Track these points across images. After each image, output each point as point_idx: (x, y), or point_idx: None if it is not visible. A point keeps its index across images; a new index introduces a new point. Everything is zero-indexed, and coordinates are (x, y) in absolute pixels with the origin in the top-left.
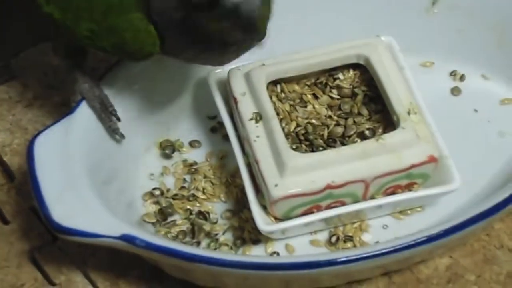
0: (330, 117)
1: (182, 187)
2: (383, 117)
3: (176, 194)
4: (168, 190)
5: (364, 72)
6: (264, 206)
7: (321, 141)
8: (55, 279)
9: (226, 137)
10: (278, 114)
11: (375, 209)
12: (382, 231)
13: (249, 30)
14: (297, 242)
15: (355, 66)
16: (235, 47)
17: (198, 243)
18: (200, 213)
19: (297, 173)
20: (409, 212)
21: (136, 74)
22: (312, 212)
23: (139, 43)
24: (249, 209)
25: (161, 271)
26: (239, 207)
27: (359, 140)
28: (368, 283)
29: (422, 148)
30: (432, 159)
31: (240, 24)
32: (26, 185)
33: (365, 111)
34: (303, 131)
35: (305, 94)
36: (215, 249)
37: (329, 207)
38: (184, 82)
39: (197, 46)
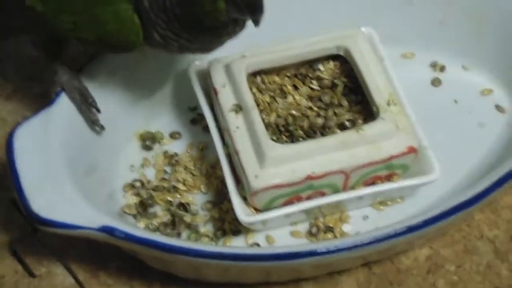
0: (310, 108)
1: (163, 179)
2: (363, 108)
3: (156, 186)
4: (148, 182)
5: (345, 63)
6: (245, 197)
7: (301, 132)
8: (36, 271)
9: (206, 129)
10: (258, 105)
11: (355, 200)
12: (362, 222)
13: (254, 7)
14: (278, 233)
15: (335, 58)
16: (231, 30)
17: (179, 235)
18: (180, 204)
19: (277, 164)
20: (389, 203)
21: (117, 65)
22: (292, 203)
23: (123, 34)
24: (229, 200)
25: (142, 263)
26: (220, 198)
27: (339, 131)
28: (348, 274)
29: (402, 139)
30: (412, 150)
31: (245, 2)
32: (5, 177)
33: (345, 102)
34: (283, 122)
35: (286, 85)
36: (195, 240)
37: (309, 198)
38: (165, 74)
39: (191, 33)
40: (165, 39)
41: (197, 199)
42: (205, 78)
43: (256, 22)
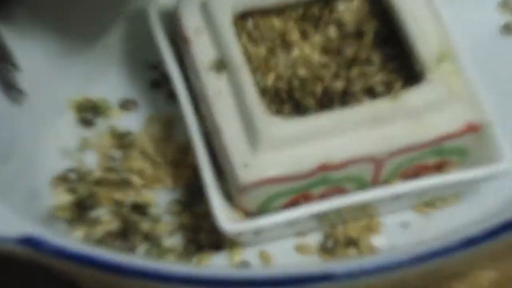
0: (325, 65)
1: (109, 168)
2: (402, 66)
3: (100, 178)
4: (89, 173)
5: (375, 1)
6: (230, 195)
7: (312, 101)
8: None
9: (173, 95)
10: (249, 61)
11: (390, 199)
12: (400, 232)
13: None
14: (277, 247)
15: None
16: None
17: (133, 249)
18: (135, 206)
19: (276, 147)
20: (439, 204)
21: (44, 5)
22: (298, 204)
23: None
24: (207, 200)
25: None
26: (193, 197)
27: (367, 99)
28: None
29: (458, 111)
30: (472, 128)
31: None
32: None
33: (376, 58)
34: (286, 87)
35: (290, 33)
36: (157, 257)
37: (323, 196)
38: (113, 14)
39: None
40: None
41: (160, 198)
42: (172, 21)
43: None
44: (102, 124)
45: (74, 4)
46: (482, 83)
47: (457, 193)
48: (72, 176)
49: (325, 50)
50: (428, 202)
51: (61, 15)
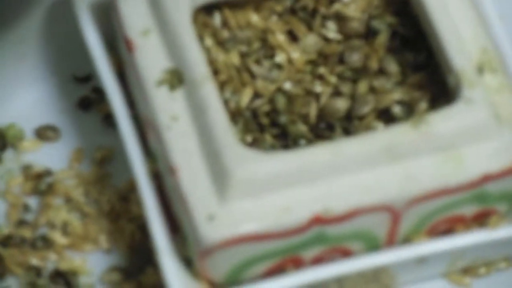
0: (321, 77)
1: (22, 222)
2: (429, 78)
3: (9, 236)
4: None
5: None
6: (188, 259)
7: (303, 127)
8: None
9: (110, 120)
10: (216, 72)
11: (413, 265)
12: None
13: None
14: None
15: None
16: None
17: None
18: (58, 274)
19: (254, 193)
20: (483, 271)
21: None
22: (285, 272)
23: None
24: (156, 266)
25: None
26: (138, 262)
27: (380, 125)
28: None
29: (507, 140)
30: None
31: None
32: None
33: (393, 66)
34: (267, 108)
35: (273, 32)
36: None
37: (319, 261)
38: (26, 7)
39: None
40: None
41: (92, 264)
42: (109, 19)
43: None
44: (11, 161)
45: None
46: None
47: (506, 256)
48: None
49: (322, 56)
50: (466, 269)
51: None
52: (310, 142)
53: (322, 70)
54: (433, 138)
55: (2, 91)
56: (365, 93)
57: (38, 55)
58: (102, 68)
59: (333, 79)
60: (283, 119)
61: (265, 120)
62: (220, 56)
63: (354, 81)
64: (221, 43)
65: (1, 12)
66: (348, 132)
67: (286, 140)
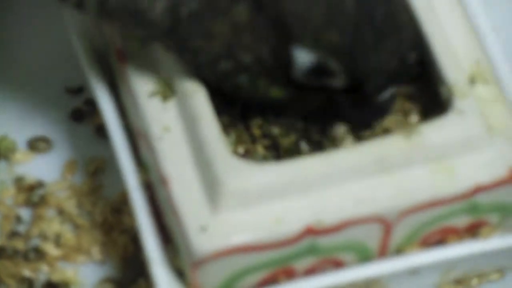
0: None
1: (15, 233)
2: (422, 90)
3: (1, 248)
4: None
5: None
6: (180, 271)
7: (295, 137)
8: None
9: (102, 131)
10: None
11: (405, 276)
12: None
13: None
14: None
15: None
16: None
17: None
18: (50, 285)
19: (246, 203)
20: (474, 282)
21: None
22: (277, 283)
23: None
24: (148, 277)
25: None
26: (130, 274)
27: (371, 137)
28: None
29: (498, 151)
30: None
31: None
32: None
33: None
34: (259, 120)
35: None
36: None
37: (311, 272)
38: (20, 24)
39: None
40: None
41: (84, 276)
42: (100, 27)
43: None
44: (3, 172)
45: None
46: None
47: (497, 267)
48: None
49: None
50: (459, 280)
51: None
52: (301, 153)
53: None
54: (425, 149)
55: None
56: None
57: (31, 67)
58: (94, 79)
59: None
60: (275, 130)
61: (257, 132)
62: None
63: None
64: None
65: None
66: (337, 142)
67: (277, 151)
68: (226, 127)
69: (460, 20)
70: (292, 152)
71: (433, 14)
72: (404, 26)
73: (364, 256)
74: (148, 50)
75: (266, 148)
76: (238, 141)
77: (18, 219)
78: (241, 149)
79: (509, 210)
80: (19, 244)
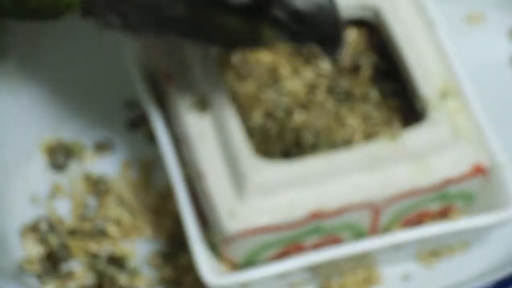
0: (317, 104)
1: (84, 217)
2: (403, 103)
3: (73, 229)
4: (61, 222)
5: (373, 32)
6: (215, 246)
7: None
8: None
9: (152, 136)
10: (236, 98)
11: (390, 249)
12: (401, 284)
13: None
14: None
15: (359, 23)
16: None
17: None
18: (112, 258)
19: (265, 193)
20: (444, 254)
21: (13, 38)
22: (290, 256)
23: None
24: (189, 252)
25: None
26: (175, 248)
27: (363, 140)
28: None
29: (463, 152)
30: (480, 170)
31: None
32: None
33: (374, 94)
34: (276, 127)
35: (280, 67)
36: None
37: (317, 247)
38: (86, 48)
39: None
40: (130, 29)
41: (139, 250)
42: (150, 54)
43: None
44: (75, 169)
45: (46, 36)
46: (490, 121)
47: (463, 241)
48: (43, 225)
49: (315, 86)
50: (432, 252)
51: (32, 47)
52: (308, 153)
53: (318, 96)
54: (406, 150)
55: (69, 114)
56: (350, 114)
57: (96, 85)
58: (145, 96)
59: (327, 104)
60: (288, 136)
61: (273, 136)
62: (239, 86)
63: (342, 104)
64: (239, 75)
65: (63, 51)
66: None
67: (288, 152)
68: (249, 132)
69: (432, 44)
70: (302, 150)
71: (411, 43)
72: None
73: (359, 234)
74: (187, 71)
75: (280, 149)
76: (259, 143)
77: (86, 206)
78: (259, 150)
79: (472, 197)
80: (87, 226)
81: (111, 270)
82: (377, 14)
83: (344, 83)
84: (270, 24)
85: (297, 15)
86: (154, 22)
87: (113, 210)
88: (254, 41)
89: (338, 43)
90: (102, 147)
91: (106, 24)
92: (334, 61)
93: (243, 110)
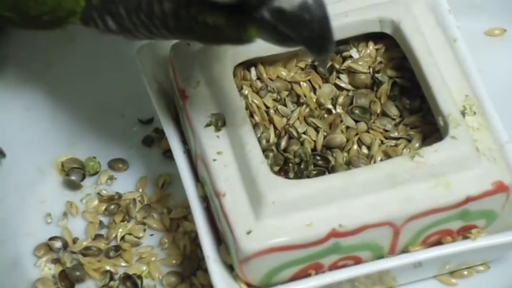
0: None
1: (98, 236)
2: (423, 120)
3: (88, 247)
4: (75, 241)
5: (392, 47)
6: (230, 265)
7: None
8: None
9: (168, 154)
10: (252, 115)
11: (410, 268)
12: None
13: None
14: None
15: (377, 38)
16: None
17: None
18: (127, 277)
19: (283, 212)
20: (465, 272)
21: (27, 53)
22: (308, 276)
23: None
24: (205, 271)
25: None
26: (191, 267)
27: (383, 157)
28: None
29: (485, 169)
30: (502, 188)
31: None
32: None
33: (393, 110)
34: (294, 145)
35: (297, 82)
36: None
37: (335, 267)
38: (100, 64)
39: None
40: (126, 31)
41: (154, 269)
42: (165, 71)
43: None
44: (89, 187)
45: (59, 54)
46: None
47: (485, 260)
48: (57, 244)
49: (333, 103)
50: (454, 271)
51: (46, 65)
52: (326, 172)
53: (337, 111)
54: (426, 167)
55: (84, 132)
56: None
57: (111, 103)
58: (161, 113)
59: (347, 120)
60: (304, 154)
61: (290, 155)
62: (255, 102)
63: (361, 121)
64: (256, 92)
65: (78, 69)
66: (356, 163)
67: (307, 170)
68: (265, 150)
69: (454, 64)
70: (319, 170)
71: (431, 58)
72: None
73: (378, 254)
74: (203, 87)
75: (298, 167)
76: (276, 162)
77: (101, 224)
78: (276, 168)
79: (493, 216)
80: (102, 244)
81: None
82: (396, 27)
83: (363, 100)
84: (256, 24)
85: (282, 16)
86: (147, 22)
87: (128, 229)
88: (239, 40)
89: (324, 44)
90: (117, 165)
91: (105, 29)
92: (322, 62)
93: (259, 127)
